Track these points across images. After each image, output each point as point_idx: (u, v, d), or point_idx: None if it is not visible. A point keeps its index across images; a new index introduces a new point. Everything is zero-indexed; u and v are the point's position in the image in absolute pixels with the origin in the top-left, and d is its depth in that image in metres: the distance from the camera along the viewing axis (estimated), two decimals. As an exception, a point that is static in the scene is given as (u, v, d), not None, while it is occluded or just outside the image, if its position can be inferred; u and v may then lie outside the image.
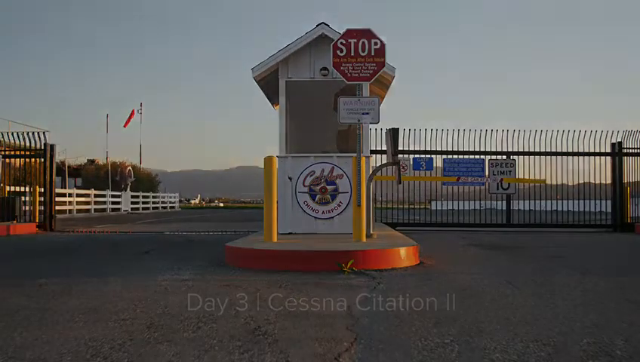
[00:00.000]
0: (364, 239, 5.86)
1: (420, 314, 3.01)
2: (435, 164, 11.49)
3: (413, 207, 12.20)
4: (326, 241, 5.86)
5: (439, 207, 13.40)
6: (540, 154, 11.60)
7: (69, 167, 30.50)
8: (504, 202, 11.83)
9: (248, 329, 2.65)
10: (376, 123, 6.35)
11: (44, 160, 11.74)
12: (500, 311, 3.11)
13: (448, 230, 11.47)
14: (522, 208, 12.08)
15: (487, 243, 8.07)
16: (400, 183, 8.00)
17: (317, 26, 7.62)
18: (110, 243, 8.46)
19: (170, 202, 40.38)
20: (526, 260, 6.01)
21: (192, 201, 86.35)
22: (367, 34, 6.33)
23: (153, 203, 35.68)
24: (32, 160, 12.03)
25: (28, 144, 11.80)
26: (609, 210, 12.08)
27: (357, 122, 6.29)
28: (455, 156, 11.47)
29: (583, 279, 4.49)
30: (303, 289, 3.82)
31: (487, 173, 11.42)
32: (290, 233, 7.27)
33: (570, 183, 11.97)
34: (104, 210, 27.49)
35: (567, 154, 11.67)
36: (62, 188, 27.05)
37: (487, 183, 11.50)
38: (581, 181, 11.97)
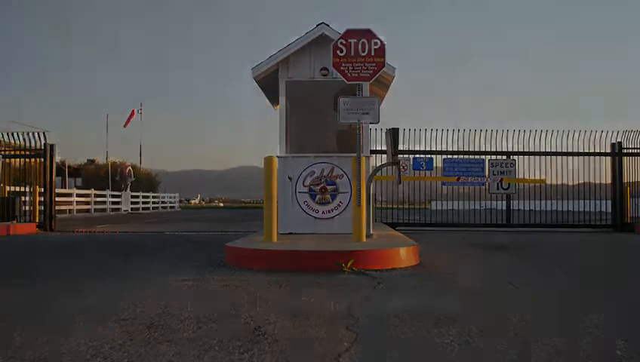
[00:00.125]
0: (364, 239, 5.86)
1: (420, 314, 3.01)
2: (435, 164, 11.49)
3: (413, 207, 12.19)
4: (326, 241, 5.86)
5: (439, 207, 13.39)
6: (540, 154, 11.60)
7: (69, 167, 30.49)
8: (504, 202, 11.83)
9: (248, 329, 2.65)
10: (377, 123, 6.35)
11: (44, 160, 11.74)
12: (500, 312, 3.11)
13: (448, 230, 11.47)
14: (522, 208, 12.08)
15: (487, 244, 8.07)
16: (400, 183, 8.00)
17: (317, 26, 7.62)
18: (110, 243, 8.46)
19: (170, 202, 40.37)
20: (526, 261, 6.01)
21: (192, 201, 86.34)
22: (367, 34, 6.32)
23: (153, 203, 35.67)
24: (32, 160, 12.03)
25: (28, 144, 11.81)
26: (609, 210, 12.08)
27: (357, 122, 6.29)
28: (455, 156, 11.47)
29: (583, 280, 4.49)
30: (303, 289, 3.82)
31: (487, 173, 11.41)
32: (290, 233, 7.27)
33: (570, 183, 11.97)
34: (104, 210, 27.48)
35: (567, 154, 11.66)
36: (62, 188, 27.07)
37: (487, 183, 11.49)
38: (581, 181, 11.97)
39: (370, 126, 8.37)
